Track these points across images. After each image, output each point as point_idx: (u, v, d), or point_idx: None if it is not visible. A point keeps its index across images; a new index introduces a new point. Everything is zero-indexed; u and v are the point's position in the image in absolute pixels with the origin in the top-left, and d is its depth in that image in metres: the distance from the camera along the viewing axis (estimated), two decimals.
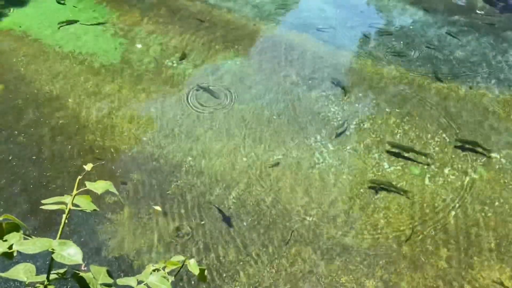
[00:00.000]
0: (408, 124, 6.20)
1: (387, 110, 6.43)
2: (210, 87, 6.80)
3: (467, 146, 5.79)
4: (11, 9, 8.52)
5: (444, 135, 6.02)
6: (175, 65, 7.32)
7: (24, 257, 2.60)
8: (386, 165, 5.65)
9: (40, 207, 1.69)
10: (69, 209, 1.63)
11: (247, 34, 8.06)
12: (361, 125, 6.20)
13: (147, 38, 7.94)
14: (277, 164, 5.64)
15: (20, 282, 4.51)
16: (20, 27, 8.12)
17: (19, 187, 5.37)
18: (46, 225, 4.97)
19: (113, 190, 1.72)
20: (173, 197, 5.29)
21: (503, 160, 5.70)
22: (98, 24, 8.19)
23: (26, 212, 5.05)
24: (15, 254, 1.56)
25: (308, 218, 5.06)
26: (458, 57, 7.48)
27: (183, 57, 7.43)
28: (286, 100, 6.59)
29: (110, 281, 1.67)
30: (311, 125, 6.19)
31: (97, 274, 1.68)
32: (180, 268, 1.90)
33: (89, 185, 1.67)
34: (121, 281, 1.75)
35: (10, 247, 1.50)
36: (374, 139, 5.98)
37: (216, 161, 5.69)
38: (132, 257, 4.71)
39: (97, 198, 4.00)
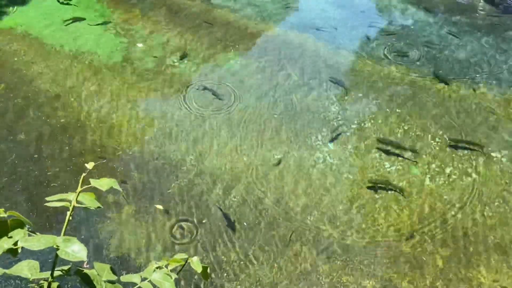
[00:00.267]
0: (408, 124, 6.21)
1: (387, 110, 6.44)
2: (211, 87, 6.82)
3: (460, 145, 5.83)
4: (15, 8, 8.52)
5: (445, 136, 6.03)
6: (176, 64, 7.33)
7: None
8: (387, 164, 5.66)
9: (45, 204, 1.71)
10: (73, 206, 1.65)
11: (248, 34, 8.07)
12: (361, 125, 6.21)
13: (148, 37, 7.95)
14: (278, 163, 5.65)
15: (21, 280, 4.53)
16: (21, 26, 8.13)
17: (20, 186, 5.38)
18: (47, 223, 4.98)
19: (117, 187, 1.73)
20: (174, 195, 5.30)
21: (503, 160, 5.71)
22: (103, 23, 8.19)
23: (27, 211, 5.06)
24: (19, 250, 1.58)
25: (308, 217, 5.08)
26: (459, 57, 7.49)
27: (183, 56, 7.44)
28: (286, 100, 6.61)
29: (114, 277, 1.68)
30: (311, 125, 6.20)
31: (101, 271, 1.69)
32: (183, 266, 1.92)
33: (93, 182, 1.68)
34: (124, 278, 1.77)
35: (15, 244, 1.51)
36: (374, 138, 5.99)
37: (217, 160, 5.71)
38: (133, 256, 4.72)
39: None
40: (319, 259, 4.71)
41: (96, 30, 8.07)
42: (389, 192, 5.33)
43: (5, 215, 1.56)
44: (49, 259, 4.05)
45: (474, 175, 5.53)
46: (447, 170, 5.59)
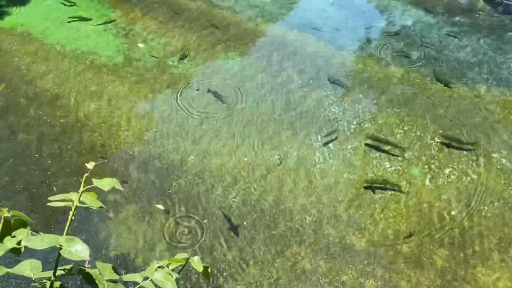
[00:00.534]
0: (408, 124, 6.23)
1: (387, 110, 6.45)
2: (211, 87, 6.83)
3: (455, 144, 5.88)
4: (21, 9, 8.54)
5: (440, 136, 6.05)
6: (176, 64, 7.34)
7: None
8: (387, 164, 5.68)
9: (47, 204, 1.72)
10: (76, 206, 1.66)
11: (249, 34, 8.08)
12: (362, 125, 6.22)
13: (149, 37, 7.96)
14: (280, 163, 5.67)
15: (22, 280, 4.54)
16: (21, 25, 8.14)
17: (21, 186, 5.40)
18: (48, 223, 5.00)
19: (119, 187, 1.75)
20: (174, 196, 5.31)
21: (503, 160, 5.73)
22: (104, 23, 8.20)
23: (27, 211, 5.08)
24: (22, 250, 1.59)
25: (308, 217, 5.10)
26: (459, 57, 7.50)
27: (184, 56, 7.46)
28: (287, 100, 6.62)
29: (116, 277, 1.70)
30: (312, 125, 6.21)
31: (103, 271, 1.71)
32: (184, 265, 1.93)
33: (95, 182, 1.70)
34: (126, 277, 1.78)
35: (19, 243, 1.53)
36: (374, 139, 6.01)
37: (218, 160, 5.72)
38: (133, 256, 4.73)
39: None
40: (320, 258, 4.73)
41: (97, 30, 8.09)
42: (388, 191, 5.35)
43: (9, 215, 1.58)
44: (50, 258, 4.07)
45: (473, 176, 5.55)
46: (446, 171, 5.60)
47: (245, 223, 5.04)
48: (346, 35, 8.07)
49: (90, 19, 8.29)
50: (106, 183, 1.71)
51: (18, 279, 4.55)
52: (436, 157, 5.78)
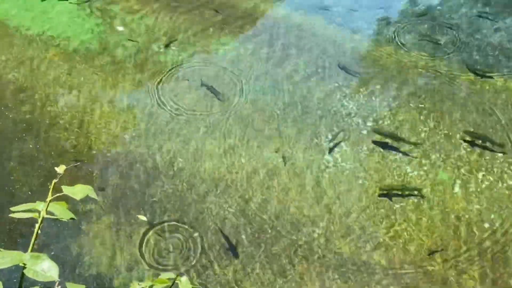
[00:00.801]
0: (434, 121, 6.23)
1: (410, 105, 6.46)
2: (204, 79, 6.83)
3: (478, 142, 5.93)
4: None
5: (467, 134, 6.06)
6: (162, 50, 7.34)
7: None
8: (408, 168, 5.69)
9: (9, 215, 1.72)
10: (43, 217, 1.66)
11: (248, 16, 8.08)
12: (379, 122, 6.23)
13: (130, 19, 7.95)
14: (285, 164, 5.68)
15: None
16: None
17: None
18: (11, 237, 5.00)
19: (94, 195, 1.75)
20: (159, 204, 5.31)
21: None
22: (77, 3, 8.16)
23: None
24: None
25: (316, 230, 5.11)
26: (492, 42, 7.51)
27: (170, 42, 7.45)
28: (292, 92, 6.62)
29: None
30: (320, 122, 6.22)
31: None
32: (170, 287, 1.93)
33: (66, 189, 1.70)
34: None
35: None
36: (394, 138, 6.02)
37: (210, 163, 5.72)
38: (111, 276, 4.74)
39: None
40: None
41: (69, 10, 8.07)
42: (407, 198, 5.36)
43: None
44: (14, 279, 4.08)
45: (510, 182, 5.56)
46: (479, 175, 5.61)
47: (243, 237, 5.05)
48: (361, 17, 8.08)
49: None
50: (78, 191, 1.71)
51: None
52: (467, 160, 5.78)
